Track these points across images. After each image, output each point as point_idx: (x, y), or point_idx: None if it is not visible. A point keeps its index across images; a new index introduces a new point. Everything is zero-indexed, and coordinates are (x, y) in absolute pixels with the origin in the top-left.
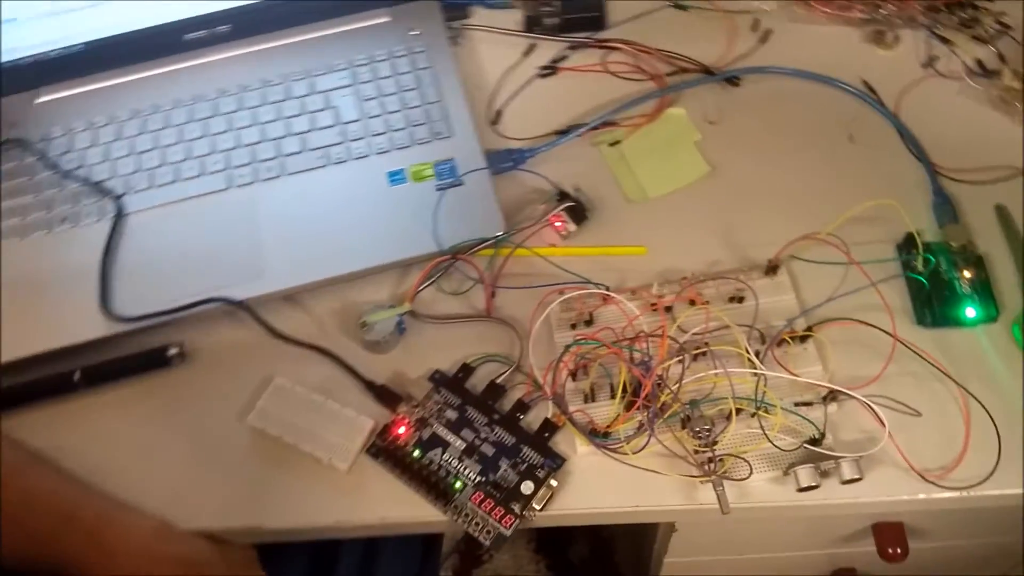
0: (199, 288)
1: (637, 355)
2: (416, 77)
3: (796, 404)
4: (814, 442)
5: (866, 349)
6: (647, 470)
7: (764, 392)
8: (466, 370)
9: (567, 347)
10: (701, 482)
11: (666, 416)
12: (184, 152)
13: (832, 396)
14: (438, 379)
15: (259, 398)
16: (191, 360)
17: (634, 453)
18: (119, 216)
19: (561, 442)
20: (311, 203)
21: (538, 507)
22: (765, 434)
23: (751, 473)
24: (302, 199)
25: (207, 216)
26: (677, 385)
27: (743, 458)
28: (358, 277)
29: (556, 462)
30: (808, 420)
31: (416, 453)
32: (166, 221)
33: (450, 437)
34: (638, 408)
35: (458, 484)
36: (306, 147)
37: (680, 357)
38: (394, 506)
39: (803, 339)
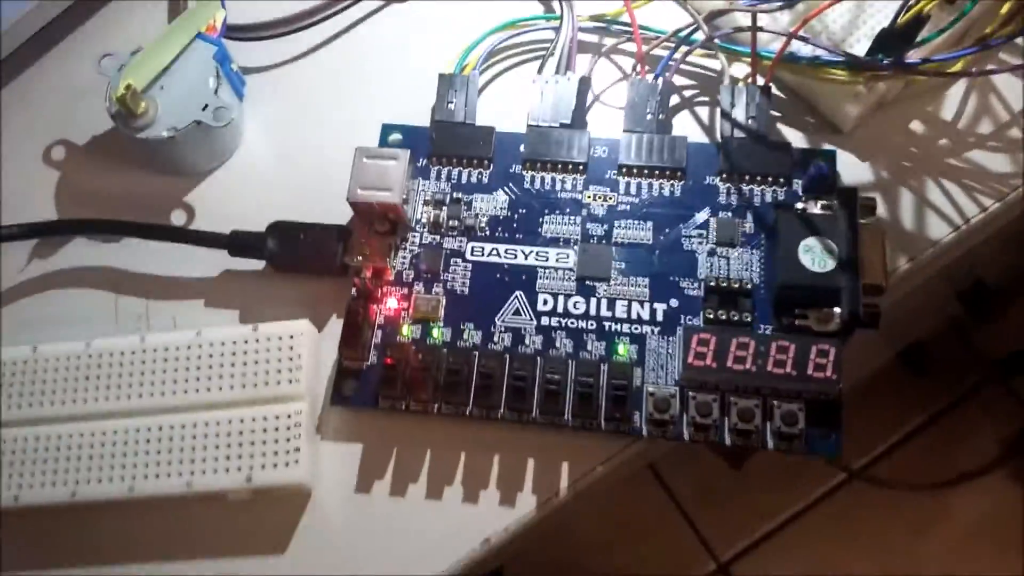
0: None
1: None
2: None
3: None
4: None
5: None
6: None
7: None
8: (448, 81)
9: None
10: None
11: None
12: None
13: None
14: (410, 140)
15: None
16: None
17: None
18: None
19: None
20: None
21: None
22: None
23: None
24: None
25: None
26: None
27: None
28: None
29: (823, 161)
30: None
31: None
32: None
33: (522, 255)
34: None
35: (621, 348)
36: None
37: None
38: (494, 489)
39: None
